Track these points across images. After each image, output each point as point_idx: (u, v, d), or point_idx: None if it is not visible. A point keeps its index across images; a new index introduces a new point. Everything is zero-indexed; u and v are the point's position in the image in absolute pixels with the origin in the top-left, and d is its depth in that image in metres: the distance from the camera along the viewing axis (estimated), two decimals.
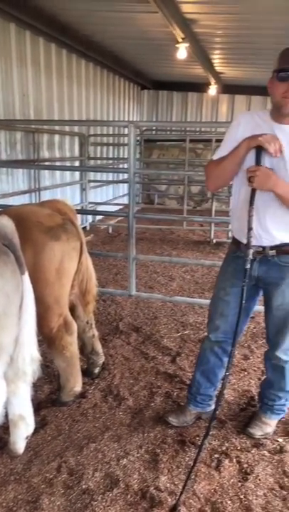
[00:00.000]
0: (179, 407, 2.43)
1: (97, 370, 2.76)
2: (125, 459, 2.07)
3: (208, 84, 8.13)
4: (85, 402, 2.49)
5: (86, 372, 2.71)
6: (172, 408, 2.44)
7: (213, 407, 2.35)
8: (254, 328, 3.49)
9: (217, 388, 2.31)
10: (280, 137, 1.82)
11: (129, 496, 1.85)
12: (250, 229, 1.87)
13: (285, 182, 1.82)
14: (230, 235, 5.73)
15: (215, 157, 2.02)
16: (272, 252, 1.95)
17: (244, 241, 1.94)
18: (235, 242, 2.07)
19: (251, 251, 1.89)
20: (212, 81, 7.88)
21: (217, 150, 2.04)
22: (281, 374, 2.18)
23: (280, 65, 1.77)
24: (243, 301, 1.93)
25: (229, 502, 1.84)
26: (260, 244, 1.95)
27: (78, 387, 2.50)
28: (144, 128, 9.43)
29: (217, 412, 2.35)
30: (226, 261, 2.17)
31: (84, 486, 1.90)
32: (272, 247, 1.94)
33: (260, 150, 1.82)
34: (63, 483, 1.93)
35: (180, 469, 2.01)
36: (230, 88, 8.75)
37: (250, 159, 1.88)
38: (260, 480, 1.95)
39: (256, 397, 2.50)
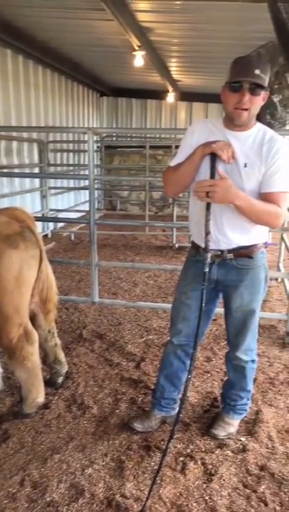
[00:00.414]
0: (144, 412, 2.43)
1: (60, 380, 2.72)
2: (90, 468, 2.04)
3: (167, 91, 8.25)
4: (48, 413, 2.45)
5: (49, 383, 2.66)
6: (137, 414, 2.44)
7: (176, 409, 2.37)
8: (216, 330, 3.55)
9: (181, 391, 2.33)
10: (233, 144, 1.87)
11: (94, 506, 1.83)
12: (207, 233, 1.91)
13: (244, 193, 1.85)
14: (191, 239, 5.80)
15: (172, 164, 2.05)
16: (230, 256, 1.99)
17: (203, 245, 1.97)
18: (195, 246, 2.10)
19: (209, 255, 1.93)
20: (170, 88, 8.00)
21: (174, 157, 2.07)
22: (242, 374, 2.23)
23: (232, 76, 1.80)
24: (203, 304, 1.96)
25: (195, 504, 1.85)
26: (219, 247, 1.99)
27: (41, 398, 2.45)
28: (104, 134, 9.44)
29: (181, 415, 2.38)
30: (186, 265, 2.21)
31: (48, 499, 1.86)
32: (229, 251, 1.99)
33: (214, 157, 1.87)
34: (27, 497, 1.88)
35: (146, 475, 2.01)
36: (187, 96, 8.91)
37: (205, 165, 1.92)
38: (224, 480, 1.98)
39: (219, 398, 2.54)
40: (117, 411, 2.48)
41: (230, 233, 1.96)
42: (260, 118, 1.99)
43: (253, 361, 2.24)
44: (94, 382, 2.77)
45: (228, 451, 2.16)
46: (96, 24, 4.69)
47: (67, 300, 4.11)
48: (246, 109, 1.80)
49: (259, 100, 1.81)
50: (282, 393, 2.68)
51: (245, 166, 1.86)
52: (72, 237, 7.00)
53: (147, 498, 1.82)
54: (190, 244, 2.20)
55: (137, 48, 5.07)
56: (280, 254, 4.79)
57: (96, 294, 3.67)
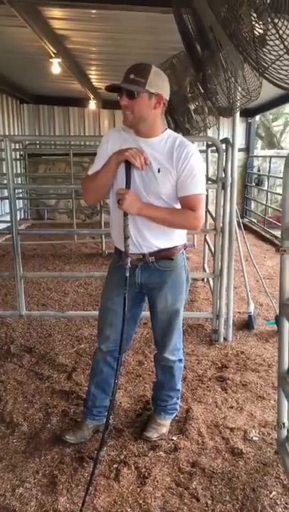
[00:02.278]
0: (76, 423, 2.39)
1: None
2: (21, 488, 1.97)
3: (88, 99, 8.25)
4: None
5: None
6: (69, 426, 2.39)
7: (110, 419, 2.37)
8: (147, 333, 3.60)
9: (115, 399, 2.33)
10: (146, 150, 1.92)
11: None
12: (126, 238, 1.94)
13: (149, 205, 1.93)
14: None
15: (90, 172, 2.07)
16: (152, 259, 2.04)
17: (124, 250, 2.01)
18: (117, 251, 2.13)
19: (129, 259, 1.96)
20: (91, 96, 8.01)
21: (92, 165, 2.08)
22: (170, 374, 2.28)
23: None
24: (126, 309, 1.98)
25: (129, 510, 1.85)
26: (140, 251, 2.03)
27: None
28: (27, 142, 9.21)
29: (114, 422, 2.38)
30: (110, 271, 2.23)
31: None
32: (151, 254, 2.03)
33: (128, 164, 1.90)
34: None
35: (79, 487, 1.97)
36: (109, 103, 8.96)
37: (122, 173, 1.95)
38: (157, 481, 2.00)
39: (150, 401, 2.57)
40: (48, 425, 2.42)
41: (149, 237, 2.00)
42: (179, 125, 2.08)
43: (180, 360, 2.31)
44: (23, 399, 2.68)
45: (161, 452, 2.19)
46: (9, 30, 4.58)
47: None
48: (129, 113, 1.87)
49: (141, 102, 1.85)
50: (210, 389, 2.77)
51: (159, 171, 1.92)
52: None
53: (81, 510, 1.80)
54: None
55: (53, 55, 5.02)
56: (204, 255, 4.98)
57: (23, 307, 3.57)
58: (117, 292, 2.12)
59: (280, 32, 1.17)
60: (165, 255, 2.04)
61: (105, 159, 1.98)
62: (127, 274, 1.96)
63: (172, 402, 2.35)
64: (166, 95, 1.92)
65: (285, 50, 1.19)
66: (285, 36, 1.16)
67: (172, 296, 2.11)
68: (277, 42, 1.23)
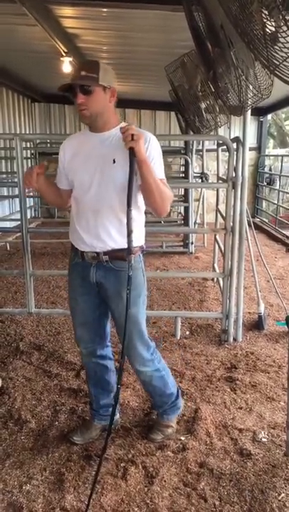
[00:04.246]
0: (83, 423, 2.38)
1: None
2: (29, 485, 1.98)
3: None
4: None
5: None
6: (77, 425, 2.40)
7: (117, 416, 2.36)
8: (156, 332, 3.59)
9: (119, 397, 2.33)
10: (99, 144, 1.94)
11: None
12: (130, 232, 1.85)
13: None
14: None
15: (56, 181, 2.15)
16: (106, 257, 1.99)
17: (81, 247, 2.01)
18: (74, 249, 2.09)
19: (132, 257, 1.90)
20: None
21: None
22: (150, 386, 2.24)
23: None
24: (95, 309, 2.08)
25: (136, 509, 1.85)
26: (94, 250, 1.99)
27: None
28: (38, 141, 9.25)
29: (121, 421, 2.38)
30: (69, 270, 2.17)
31: None
32: (105, 253, 1.98)
33: (132, 154, 1.83)
34: None
35: (86, 485, 1.98)
36: (120, 102, 8.87)
37: (79, 177, 1.99)
38: (165, 481, 2.00)
39: None
40: (56, 423, 2.43)
41: (104, 236, 1.96)
42: (189, 123, 2.07)
43: (156, 370, 2.19)
44: (32, 396, 2.70)
45: (169, 452, 2.19)
46: (20, 29, 4.59)
47: (2, 312, 3.99)
48: (85, 109, 1.87)
49: (97, 97, 1.85)
50: (220, 389, 2.76)
51: (114, 161, 1.90)
52: (8, 247, 6.79)
53: (87, 508, 1.80)
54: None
55: (64, 54, 5.03)
56: (214, 255, 4.95)
57: (32, 305, 3.58)
58: (79, 292, 2.10)
59: None
60: (120, 256, 1.94)
61: (61, 168, 2.07)
62: (130, 273, 1.86)
63: (170, 405, 2.30)
64: (116, 86, 1.94)
65: None
66: None
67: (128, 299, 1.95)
68: None
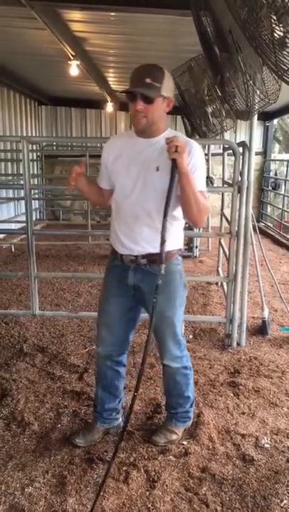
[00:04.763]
0: (86, 426, 2.38)
1: None
2: (31, 487, 1.98)
3: (106, 101, 8.29)
4: None
5: None
6: (79, 427, 2.39)
7: (120, 420, 2.36)
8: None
9: (121, 400, 2.33)
10: (146, 149, 1.95)
11: None
12: (163, 242, 1.87)
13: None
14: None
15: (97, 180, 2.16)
16: (144, 261, 2.01)
17: (120, 250, 2.04)
18: (113, 251, 2.12)
19: (163, 266, 1.89)
20: (108, 98, 8.05)
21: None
22: (173, 381, 2.25)
23: (128, 86, 1.87)
24: (124, 312, 2.09)
25: None
26: (133, 253, 2.01)
27: None
28: (44, 144, 9.30)
29: (121, 424, 2.37)
30: (107, 272, 2.20)
31: None
32: (143, 256, 2.00)
33: (174, 164, 1.85)
34: None
35: (88, 488, 1.97)
36: (126, 106, 8.88)
37: (120, 180, 2.01)
38: (166, 486, 1.99)
39: (162, 404, 2.56)
40: (59, 425, 2.42)
41: (141, 240, 1.99)
42: (195, 127, 2.08)
43: (184, 367, 2.24)
44: (35, 398, 2.70)
45: (171, 456, 2.18)
46: (29, 33, 4.63)
47: (6, 314, 4.00)
48: (144, 117, 1.86)
49: (157, 107, 1.86)
50: (222, 394, 2.75)
51: (157, 169, 1.91)
52: (13, 249, 6.81)
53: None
54: None
55: (72, 58, 5.06)
56: (219, 259, 4.94)
57: (36, 307, 3.59)
58: (112, 293, 2.12)
59: None
60: (157, 259, 1.92)
61: (104, 168, 2.08)
62: (159, 282, 1.88)
63: (183, 410, 2.30)
64: (173, 97, 1.95)
65: None
66: None
67: (164, 301, 2.01)
68: None
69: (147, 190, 1.93)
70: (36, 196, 9.05)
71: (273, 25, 1.39)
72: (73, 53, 4.99)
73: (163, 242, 1.86)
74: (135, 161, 1.96)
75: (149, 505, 1.88)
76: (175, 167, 1.82)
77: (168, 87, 1.87)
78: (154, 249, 1.95)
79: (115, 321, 2.14)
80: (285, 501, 1.92)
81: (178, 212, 2.01)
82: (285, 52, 1.32)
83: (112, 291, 2.13)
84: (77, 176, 2.03)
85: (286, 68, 1.31)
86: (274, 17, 1.38)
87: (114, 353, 2.20)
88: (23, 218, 3.76)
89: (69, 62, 5.18)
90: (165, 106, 1.90)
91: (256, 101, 2.47)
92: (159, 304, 1.94)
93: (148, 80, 1.81)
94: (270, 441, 2.31)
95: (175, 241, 2.04)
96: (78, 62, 5.16)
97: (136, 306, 2.15)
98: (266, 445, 2.28)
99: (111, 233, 2.14)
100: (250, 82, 2.31)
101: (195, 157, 1.91)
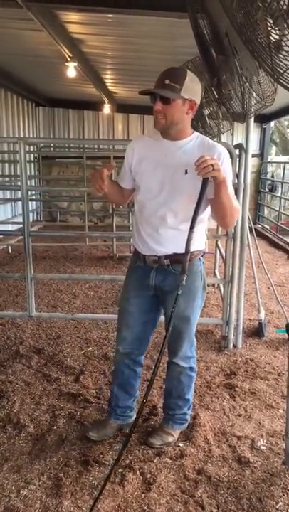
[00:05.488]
0: (101, 421, 2.41)
1: None
2: (26, 489, 1.97)
3: (103, 102, 8.30)
4: None
5: None
6: (75, 429, 2.39)
7: (133, 417, 2.36)
8: (156, 338, 3.58)
9: (136, 398, 2.37)
10: (173, 152, 1.96)
11: None
12: (187, 252, 1.91)
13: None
14: (132, 249, 5.86)
15: (118, 179, 2.18)
16: (167, 261, 2.04)
17: (143, 251, 2.07)
18: (136, 252, 2.16)
19: (185, 277, 1.92)
20: (106, 100, 8.05)
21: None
22: (177, 381, 2.26)
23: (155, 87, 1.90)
24: (144, 312, 2.13)
25: None
26: (156, 254, 2.05)
27: None
28: (41, 145, 9.30)
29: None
30: (128, 272, 2.26)
31: None
32: (166, 257, 2.04)
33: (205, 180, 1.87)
34: None
35: (84, 490, 1.97)
36: (124, 107, 9.01)
37: (145, 181, 2.03)
38: (162, 488, 1.99)
39: (158, 407, 2.56)
40: (55, 427, 2.42)
41: (166, 241, 2.02)
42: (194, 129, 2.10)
43: (190, 369, 2.27)
44: (31, 400, 2.69)
45: (167, 458, 2.18)
46: (26, 34, 4.63)
47: (2, 316, 3.99)
48: (162, 118, 1.89)
49: (175, 108, 1.88)
50: (219, 396, 2.75)
51: (186, 172, 1.92)
52: (10, 250, 6.80)
53: None
54: (130, 254, 2.25)
55: (69, 59, 5.06)
56: (216, 261, 4.95)
57: (33, 308, 3.57)
58: (133, 294, 2.16)
59: None
60: (180, 259, 1.98)
61: (127, 168, 2.09)
62: (180, 292, 1.93)
63: (180, 412, 2.31)
64: (199, 100, 1.95)
65: None
66: None
67: (184, 301, 2.06)
68: None
69: (175, 193, 1.96)
70: (33, 197, 9.04)
71: (269, 29, 1.39)
72: (70, 55, 4.99)
73: (188, 252, 1.90)
74: (162, 163, 1.98)
75: (145, 508, 1.87)
76: (206, 184, 1.84)
77: (191, 90, 1.87)
78: (178, 249, 1.99)
79: (135, 321, 2.18)
80: (280, 503, 1.92)
81: (203, 215, 2.04)
82: (280, 56, 1.33)
83: (133, 292, 2.17)
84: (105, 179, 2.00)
85: (282, 71, 1.32)
86: (270, 20, 1.39)
87: (133, 352, 2.24)
88: (20, 219, 3.75)
89: (66, 63, 5.18)
90: (187, 108, 1.90)
91: (252, 103, 2.48)
92: (179, 304, 2.00)
93: (167, 81, 1.84)
94: (266, 443, 2.31)
95: (198, 243, 2.07)
96: (75, 64, 5.17)
97: (156, 307, 2.18)
98: (262, 447, 2.28)
99: (133, 234, 2.18)
100: (247, 84, 2.31)
101: (225, 161, 1.95)
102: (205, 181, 1.84)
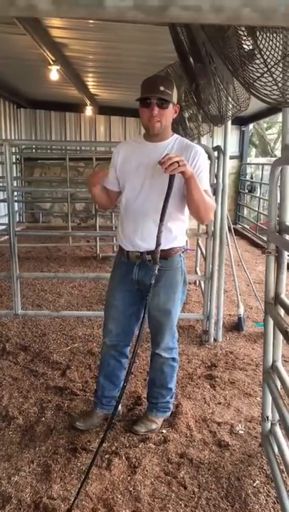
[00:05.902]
0: (87, 411, 2.52)
1: None
2: (17, 476, 2.06)
3: (85, 105, 8.38)
4: None
5: None
6: (63, 420, 2.49)
7: (119, 407, 2.46)
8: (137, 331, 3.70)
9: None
10: (154, 153, 2.10)
11: (22, 510, 1.86)
12: (158, 245, 2.02)
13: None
14: (115, 249, 5.95)
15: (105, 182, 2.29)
16: (148, 257, 2.16)
17: (127, 247, 2.20)
18: (120, 249, 2.29)
19: (157, 267, 2.04)
20: (88, 102, 8.14)
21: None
22: (160, 371, 2.38)
23: (142, 93, 2.07)
24: (127, 306, 2.25)
25: (120, 496, 1.95)
26: (138, 250, 2.17)
27: None
28: (23, 146, 9.32)
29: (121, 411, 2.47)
30: (114, 268, 2.39)
31: None
32: (148, 252, 2.16)
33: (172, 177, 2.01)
34: None
35: (72, 475, 2.07)
36: (106, 110, 9.11)
37: (129, 184, 2.18)
38: (147, 471, 2.10)
39: (142, 397, 2.67)
40: (43, 419, 2.51)
41: (149, 237, 2.13)
42: (174, 132, 2.26)
43: (173, 359, 2.40)
44: (19, 394, 2.77)
45: (151, 444, 2.29)
46: (9, 38, 4.70)
47: None
48: (158, 121, 2.06)
49: (168, 112, 2.08)
50: (200, 386, 2.88)
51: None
52: None
53: (76, 497, 1.89)
54: (113, 254, 2.37)
55: (52, 63, 5.14)
56: (197, 258, 5.10)
57: (19, 306, 3.65)
58: (118, 288, 2.29)
59: (262, 53, 1.29)
60: (162, 255, 2.10)
61: (113, 171, 2.24)
62: (153, 282, 2.04)
63: (163, 401, 2.43)
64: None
65: (266, 69, 1.31)
66: (265, 57, 1.29)
67: (164, 295, 2.21)
68: (261, 61, 1.35)
69: (156, 190, 2.09)
70: (16, 198, 9.05)
71: (243, 41, 1.52)
72: (53, 58, 5.08)
73: (158, 244, 2.02)
74: (144, 163, 2.13)
75: (131, 489, 1.99)
76: (172, 180, 1.98)
77: (176, 95, 2.10)
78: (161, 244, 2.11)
79: (120, 315, 2.30)
80: (257, 481, 2.06)
81: (182, 212, 2.19)
82: (250, 68, 1.46)
83: (117, 287, 2.30)
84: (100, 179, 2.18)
85: (251, 82, 1.45)
86: (242, 32, 1.51)
87: (119, 344, 2.35)
88: (3, 220, 3.82)
89: (49, 67, 5.26)
90: (173, 112, 2.12)
91: (229, 108, 2.61)
92: (160, 298, 2.16)
93: (162, 88, 2.01)
94: (244, 428, 2.46)
95: (178, 239, 2.21)
96: (58, 67, 5.26)
97: (140, 300, 2.29)
98: (240, 432, 2.42)
99: (118, 232, 2.31)
100: (223, 90, 2.45)
101: (200, 159, 2.12)
102: (171, 178, 1.98)
